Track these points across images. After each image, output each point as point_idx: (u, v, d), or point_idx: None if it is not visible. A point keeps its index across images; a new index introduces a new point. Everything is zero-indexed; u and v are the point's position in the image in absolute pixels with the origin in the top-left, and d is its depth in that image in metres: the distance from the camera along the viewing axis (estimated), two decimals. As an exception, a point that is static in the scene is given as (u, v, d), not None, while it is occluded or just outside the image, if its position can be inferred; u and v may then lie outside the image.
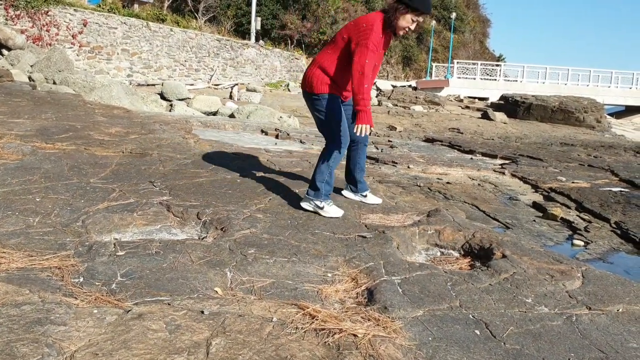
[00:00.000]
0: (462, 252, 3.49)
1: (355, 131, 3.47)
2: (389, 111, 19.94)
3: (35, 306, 2.01)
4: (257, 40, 29.79)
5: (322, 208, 3.71)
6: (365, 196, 4.16)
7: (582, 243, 4.67)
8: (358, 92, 3.38)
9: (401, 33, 3.53)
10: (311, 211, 3.73)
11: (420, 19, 3.50)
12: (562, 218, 5.41)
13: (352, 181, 4.15)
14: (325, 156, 3.73)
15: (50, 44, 16.22)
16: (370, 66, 3.40)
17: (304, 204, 3.77)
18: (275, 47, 30.68)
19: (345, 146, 3.70)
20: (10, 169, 3.98)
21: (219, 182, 4.28)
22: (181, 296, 2.30)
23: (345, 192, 4.21)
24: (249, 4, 31.08)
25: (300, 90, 25.87)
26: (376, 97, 25.13)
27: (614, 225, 5.26)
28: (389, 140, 11.35)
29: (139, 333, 1.91)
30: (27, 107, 7.06)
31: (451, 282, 2.77)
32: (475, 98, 31.63)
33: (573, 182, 7.31)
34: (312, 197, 3.73)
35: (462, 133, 15.44)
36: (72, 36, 17.23)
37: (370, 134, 3.62)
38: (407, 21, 3.46)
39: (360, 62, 3.38)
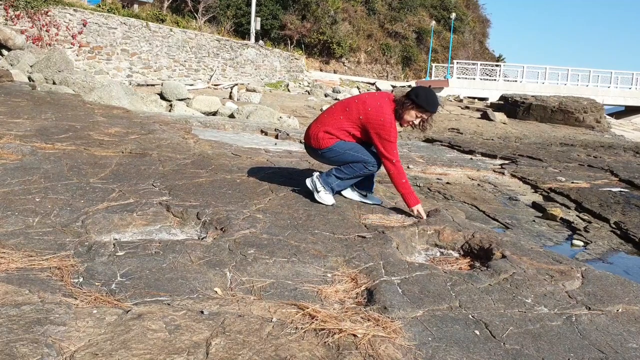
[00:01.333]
0: (462, 253, 3.49)
1: (417, 218, 3.77)
2: (388, 111, 19.87)
3: (35, 306, 2.01)
4: (256, 40, 29.79)
5: (318, 192, 3.88)
6: (365, 195, 4.18)
7: (581, 243, 4.67)
8: (400, 177, 3.74)
9: (405, 125, 3.79)
10: (308, 189, 3.93)
11: (425, 116, 3.73)
12: (561, 218, 5.41)
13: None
14: (358, 165, 3.87)
15: (50, 44, 16.22)
16: (397, 153, 3.76)
17: (307, 180, 3.95)
18: (275, 47, 30.69)
19: (372, 165, 3.85)
20: (9, 169, 3.98)
21: (219, 182, 4.28)
22: (181, 296, 2.30)
23: (345, 192, 4.20)
24: (249, 4, 31.09)
25: (300, 90, 25.80)
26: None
27: (613, 226, 5.26)
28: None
29: (138, 333, 1.91)
30: (26, 107, 7.05)
31: (451, 283, 2.77)
32: (474, 98, 31.63)
33: (573, 183, 7.31)
34: (318, 178, 3.90)
35: (461, 133, 15.44)
36: (72, 36, 17.23)
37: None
38: (411, 116, 3.72)
39: (390, 152, 3.71)
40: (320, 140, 3.85)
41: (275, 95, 21.49)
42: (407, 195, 3.77)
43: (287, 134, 9.57)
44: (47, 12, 16.40)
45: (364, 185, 4.17)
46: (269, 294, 2.46)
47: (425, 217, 3.78)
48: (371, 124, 3.69)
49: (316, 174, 3.96)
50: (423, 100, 3.67)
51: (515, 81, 36.24)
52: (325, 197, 3.89)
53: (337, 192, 4.03)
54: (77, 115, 6.94)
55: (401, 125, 3.78)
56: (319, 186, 3.88)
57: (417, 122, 3.75)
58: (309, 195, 4.12)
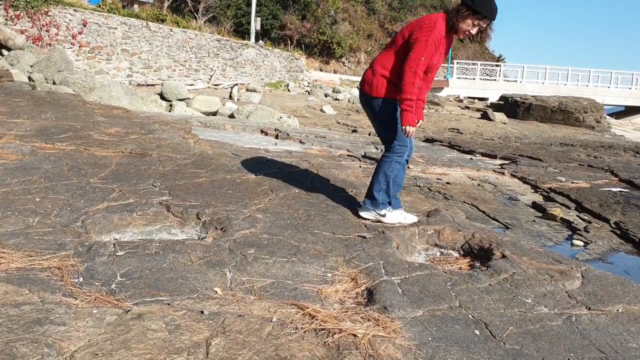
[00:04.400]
0: (462, 253, 3.49)
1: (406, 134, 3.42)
2: (388, 111, 19.87)
3: (35, 306, 2.01)
4: (256, 40, 29.77)
5: (383, 216, 3.61)
6: (384, 215, 3.74)
7: (581, 243, 4.67)
8: (406, 90, 3.29)
9: (462, 37, 3.40)
10: (372, 220, 3.64)
11: (483, 24, 3.34)
12: (561, 218, 5.41)
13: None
14: (382, 165, 3.62)
15: (50, 44, 16.21)
16: (423, 65, 3.30)
17: (363, 213, 3.69)
18: (275, 47, 30.67)
19: (404, 155, 3.56)
20: (10, 169, 3.98)
21: (219, 182, 4.28)
22: (181, 296, 2.30)
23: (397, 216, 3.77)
24: (249, 4, 31.08)
25: (300, 90, 25.77)
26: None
27: (613, 226, 5.26)
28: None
29: (138, 333, 1.91)
30: (26, 107, 7.05)
31: (451, 282, 2.77)
32: (474, 98, 31.63)
33: (573, 183, 7.31)
34: (370, 206, 3.65)
35: (461, 133, 15.44)
36: (72, 36, 17.21)
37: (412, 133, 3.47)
38: (467, 24, 3.33)
39: (415, 58, 3.28)
40: (373, 83, 3.47)
41: (275, 95, 21.49)
42: (405, 113, 3.32)
43: (287, 134, 9.57)
44: (47, 12, 16.38)
45: (392, 199, 3.73)
46: (269, 294, 2.46)
47: (411, 135, 3.42)
48: (414, 29, 3.32)
49: (362, 205, 3.72)
50: (480, 4, 3.25)
51: (515, 81, 36.25)
52: (392, 216, 3.62)
53: (387, 202, 3.66)
54: (77, 115, 6.94)
55: (458, 36, 3.40)
56: (378, 211, 3.61)
57: (474, 31, 3.34)
58: (309, 195, 4.12)
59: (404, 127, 3.37)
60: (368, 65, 3.67)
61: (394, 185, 3.68)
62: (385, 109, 3.50)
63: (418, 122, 3.56)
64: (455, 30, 3.36)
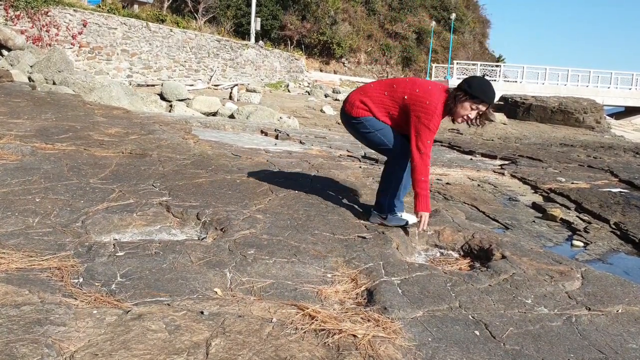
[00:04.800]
0: (462, 253, 3.49)
1: (418, 227, 3.42)
2: (388, 112, 19.88)
3: (35, 307, 2.01)
4: (256, 40, 29.79)
5: (385, 218, 3.60)
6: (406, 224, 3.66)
7: (581, 244, 4.67)
8: (420, 171, 3.29)
9: (460, 121, 3.33)
10: (378, 223, 3.62)
11: (482, 107, 3.28)
12: (561, 219, 5.41)
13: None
14: (387, 172, 3.61)
15: (50, 45, 16.22)
16: (430, 146, 3.31)
17: (371, 219, 3.67)
18: (275, 47, 30.69)
19: (404, 156, 3.44)
20: (9, 170, 3.98)
21: (219, 183, 4.28)
22: (181, 297, 2.30)
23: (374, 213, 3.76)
24: (249, 5, 31.10)
25: (299, 91, 25.78)
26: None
27: (613, 226, 5.26)
28: (388, 141, 11.36)
29: (138, 333, 1.91)
30: (26, 107, 7.05)
31: (451, 283, 2.77)
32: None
33: (573, 183, 7.31)
34: (377, 211, 3.64)
35: (461, 134, 15.44)
36: (72, 37, 17.23)
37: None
38: (465, 109, 3.26)
39: (423, 141, 3.27)
40: (354, 108, 3.49)
41: (275, 96, 21.50)
42: (420, 197, 3.34)
43: (287, 135, 9.57)
44: (47, 13, 16.40)
45: (396, 200, 3.68)
46: (269, 294, 2.46)
47: (425, 228, 3.45)
48: (415, 105, 3.28)
49: (373, 210, 3.69)
50: (477, 89, 3.23)
51: (515, 82, 36.30)
52: (394, 219, 3.58)
53: (394, 207, 3.62)
54: (77, 115, 6.94)
55: (455, 121, 3.36)
56: (383, 215, 3.59)
57: (472, 115, 3.28)
58: (309, 195, 4.12)
59: (420, 213, 3.36)
60: (355, 91, 3.66)
61: (402, 189, 3.65)
62: (361, 127, 3.51)
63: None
64: (452, 114, 3.32)
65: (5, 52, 13.55)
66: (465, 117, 3.29)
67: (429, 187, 3.36)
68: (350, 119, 3.55)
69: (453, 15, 40.78)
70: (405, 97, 3.34)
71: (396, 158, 3.53)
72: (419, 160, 3.28)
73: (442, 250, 3.55)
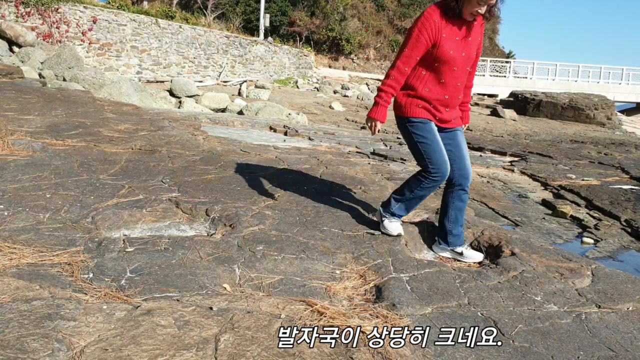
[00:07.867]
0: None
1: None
2: (397, 108, 19.83)
3: (46, 302, 2.02)
4: (265, 37, 29.77)
5: (382, 221, 3.39)
6: (461, 253, 3.26)
7: (591, 241, 4.64)
8: (384, 83, 3.05)
9: (470, 18, 2.95)
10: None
11: (491, 0, 2.88)
12: (571, 216, 5.38)
13: (442, 232, 3.34)
14: (413, 180, 3.28)
15: (60, 41, 16.30)
16: (406, 57, 2.98)
17: (375, 215, 3.59)
18: (284, 44, 30.66)
19: (440, 179, 3.13)
20: (20, 166, 4.01)
21: (228, 179, 4.29)
22: (190, 292, 2.31)
23: (434, 248, 3.41)
24: (258, 1, 31.08)
25: (308, 87, 25.74)
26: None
27: (624, 223, 5.22)
28: (397, 137, 11.31)
29: (148, 329, 1.92)
30: (37, 103, 7.10)
31: (460, 280, 2.76)
32: (484, 95, 31.47)
33: (583, 180, 7.26)
34: (382, 209, 3.44)
35: (471, 130, 15.37)
36: (82, 33, 17.29)
37: (379, 131, 3.21)
38: (473, 5, 2.89)
39: (399, 52, 3.02)
40: (397, 101, 3.15)
41: (284, 92, 21.49)
42: (375, 105, 3.08)
43: (296, 131, 9.57)
44: (57, 9, 16.47)
45: (450, 236, 3.29)
46: (277, 290, 2.46)
47: (374, 133, 3.15)
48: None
49: (378, 207, 3.52)
50: None
51: (525, 78, 36.03)
52: (388, 225, 3.33)
53: (398, 215, 3.38)
54: (87, 111, 6.98)
55: (465, 17, 2.93)
56: (383, 214, 3.39)
57: (482, 10, 2.90)
58: (318, 191, 4.12)
59: (370, 117, 3.10)
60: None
61: (450, 220, 3.30)
62: (409, 128, 3.16)
63: (466, 125, 3.36)
64: (460, 14, 2.94)
65: (16, 49, 13.64)
66: (475, 12, 2.92)
67: (389, 101, 3.08)
68: (396, 116, 3.27)
69: (463, 11, 40.50)
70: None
71: (427, 173, 3.18)
72: (389, 71, 3.05)
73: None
